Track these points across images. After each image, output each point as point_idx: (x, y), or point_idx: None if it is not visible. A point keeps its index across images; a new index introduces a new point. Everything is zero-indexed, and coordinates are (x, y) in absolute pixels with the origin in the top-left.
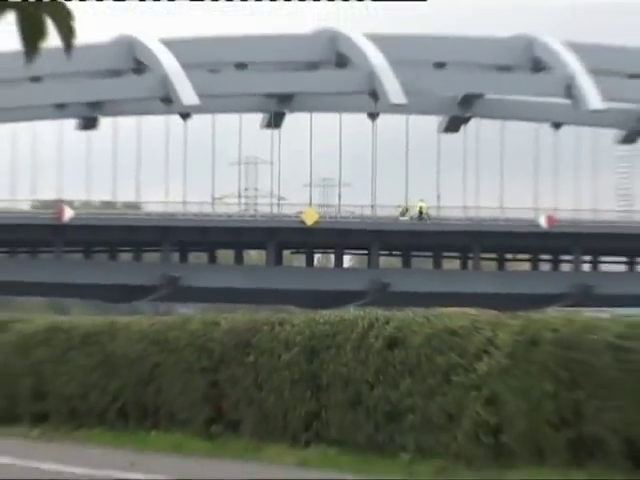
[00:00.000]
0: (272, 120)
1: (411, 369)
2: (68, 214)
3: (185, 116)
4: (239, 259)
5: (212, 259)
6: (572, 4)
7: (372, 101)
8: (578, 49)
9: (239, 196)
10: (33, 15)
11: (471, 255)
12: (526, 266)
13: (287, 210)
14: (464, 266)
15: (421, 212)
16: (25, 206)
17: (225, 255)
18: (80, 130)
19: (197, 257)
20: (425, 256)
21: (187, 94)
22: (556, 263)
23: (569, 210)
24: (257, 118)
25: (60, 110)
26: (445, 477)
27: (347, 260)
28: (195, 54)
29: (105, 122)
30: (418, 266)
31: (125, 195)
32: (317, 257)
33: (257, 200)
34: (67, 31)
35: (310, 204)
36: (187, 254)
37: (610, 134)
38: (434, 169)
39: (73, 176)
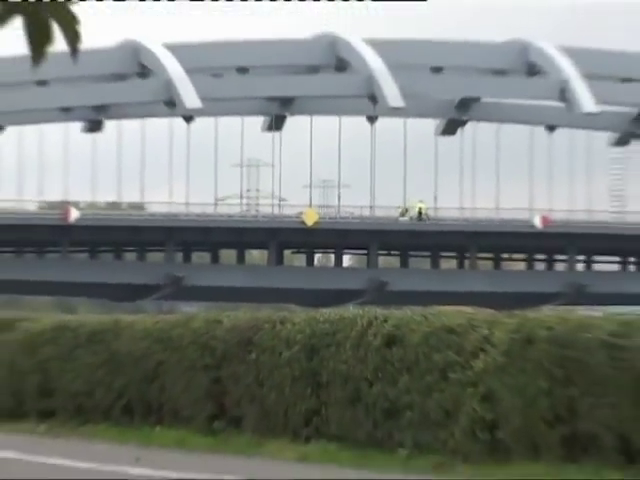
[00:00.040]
0: (273, 123)
1: (409, 366)
2: (74, 215)
3: (188, 119)
4: (241, 259)
5: (215, 259)
6: (572, 4)
7: (371, 104)
8: (572, 54)
9: (241, 197)
10: (40, 20)
11: (468, 255)
12: (521, 266)
13: (288, 211)
14: (461, 265)
15: (420, 213)
16: (32, 207)
17: (227, 255)
18: (86, 133)
19: (200, 257)
20: (423, 256)
21: (190, 98)
22: (551, 263)
23: (563, 211)
24: (259, 121)
25: (66, 113)
26: (442, 472)
27: (346, 260)
28: (198, 58)
29: (110, 125)
30: (416, 266)
31: (130, 196)
32: (317, 257)
33: (259, 201)
34: (73, 36)
35: (310, 205)
36: (190, 254)
37: (603, 137)
38: (432, 171)
39: (79, 177)
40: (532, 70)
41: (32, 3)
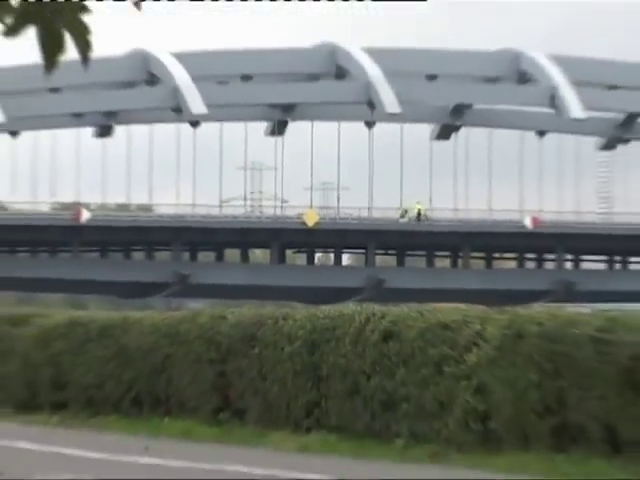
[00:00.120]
0: (276, 128)
1: (405, 360)
2: (85, 216)
3: (194, 124)
4: (245, 258)
5: (220, 258)
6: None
7: (369, 110)
8: (561, 62)
9: (245, 199)
10: (52, 30)
11: (461, 254)
12: (512, 264)
13: (289, 212)
14: (454, 264)
15: (419, 214)
16: (45, 208)
17: (232, 254)
18: (96, 137)
19: (206, 256)
20: (418, 255)
21: (196, 104)
22: (540, 262)
23: (553, 212)
24: (262, 126)
25: (78, 119)
26: (437, 461)
27: (346, 259)
28: (204, 67)
29: (120, 130)
30: (412, 264)
31: (138, 198)
32: (318, 256)
33: (262, 203)
34: (84, 45)
35: (311, 206)
36: (196, 253)
37: (591, 141)
38: (427, 174)
39: (90, 180)
40: (523, 78)
41: (46, 14)
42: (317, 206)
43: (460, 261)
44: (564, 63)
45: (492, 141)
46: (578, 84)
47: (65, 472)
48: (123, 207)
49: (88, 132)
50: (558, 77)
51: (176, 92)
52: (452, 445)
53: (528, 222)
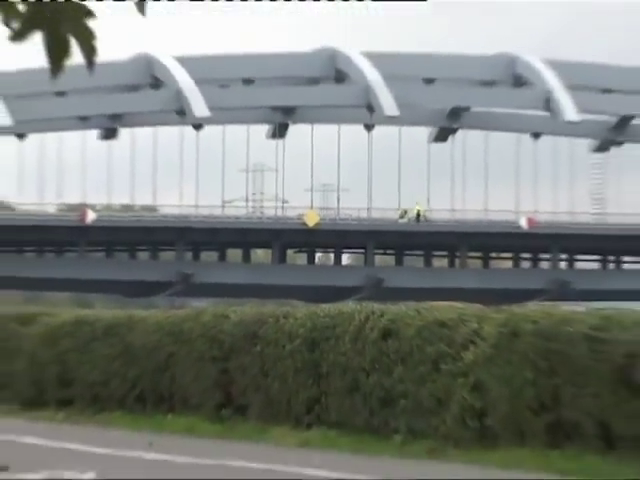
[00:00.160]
0: (277, 131)
1: (404, 358)
2: (91, 216)
3: (197, 127)
4: (247, 257)
5: (222, 257)
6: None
7: (368, 113)
8: (556, 66)
9: (247, 200)
10: (58, 35)
11: (458, 254)
12: (508, 264)
13: (290, 213)
14: (452, 264)
15: (419, 215)
16: (52, 209)
17: (234, 254)
18: (102, 140)
19: (208, 256)
20: (416, 255)
21: (199, 107)
22: (536, 261)
23: (548, 213)
24: (263, 129)
25: (83, 121)
26: (435, 457)
27: (345, 258)
28: (206, 70)
29: (124, 132)
30: (410, 264)
31: (143, 199)
32: (318, 256)
33: (263, 204)
34: (89, 49)
35: (311, 207)
36: (199, 253)
37: (585, 143)
38: (425, 175)
39: (95, 181)
40: (519, 81)
41: (52, 20)
42: (317, 207)
43: (457, 261)
44: (559, 67)
45: (488, 143)
46: (572, 88)
47: (70, 466)
48: (128, 208)
49: (93, 134)
50: (553, 81)
51: (179, 95)
52: (449, 441)
53: (524, 223)
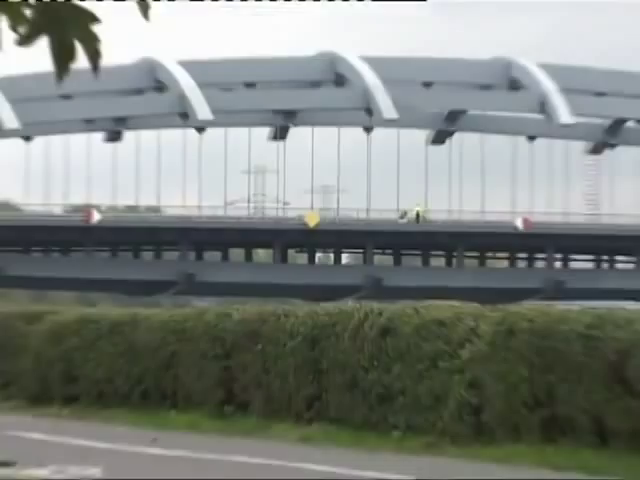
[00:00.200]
0: (278, 133)
1: (402, 355)
2: (96, 217)
3: (200, 130)
4: (249, 257)
5: (225, 257)
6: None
7: (367, 116)
8: (550, 70)
9: (249, 201)
10: (64, 39)
11: (455, 254)
12: (504, 263)
13: (291, 214)
14: (449, 263)
15: (418, 215)
16: (58, 210)
17: (236, 254)
18: (107, 142)
19: (211, 255)
20: (414, 254)
21: (202, 110)
22: (531, 261)
23: (543, 213)
24: (265, 131)
25: (89, 124)
26: (432, 452)
27: (345, 258)
28: (209, 74)
29: (129, 135)
30: (408, 263)
31: (147, 200)
32: (318, 255)
33: (265, 204)
34: (94, 53)
35: (312, 208)
36: (202, 253)
37: (579, 146)
38: (422, 177)
39: (100, 183)
40: (514, 85)
41: (58, 24)
42: (317, 208)
43: (454, 260)
44: (554, 71)
45: (485, 146)
46: (567, 91)
47: (76, 462)
48: (132, 209)
49: (99, 137)
50: (548, 84)
51: (183, 99)
52: (446, 437)
53: (519, 223)
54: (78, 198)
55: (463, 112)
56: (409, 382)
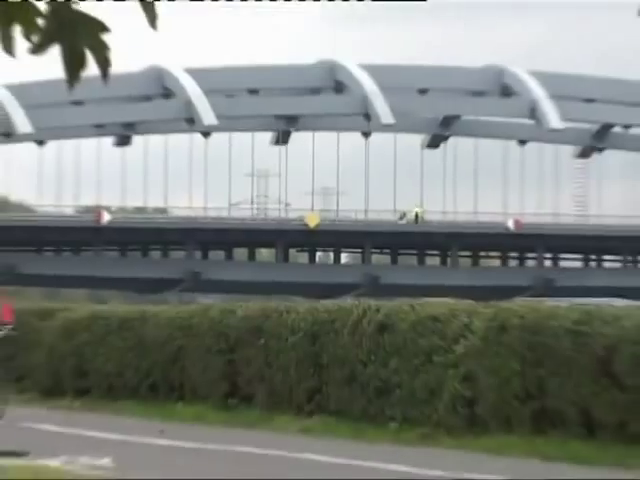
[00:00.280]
0: (280, 138)
1: (398, 350)
2: (106, 218)
3: (206, 134)
4: (252, 256)
5: (229, 256)
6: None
7: (365, 121)
8: (541, 77)
9: (252, 202)
10: (75, 48)
11: (450, 253)
12: (497, 262)
13: (292, 215)
14: (444, 262)
15: (417, 216)
16: (69, 211)
17: (240, 253)
18: (116, 146)
19: (216, 255)
20: (410, 254)
21: (207, 116)
22: (522, 260)
23: (533, 214)
24: (267, 136)
25: (99, 129)
26: (428, 443)
27: (344, 257)
28: (214, 81)
29: (137, 140)
30: (404, 263)
31: (154, 201)
32: (318, 255)
33: (267, 206)
34: (104, 61)
35: (312, 209)
36: (207, 252)
37: (568, 150)
38: (418, 179)
39: (110, 185)
40: (506, 92)
41: (69, 34)
42: (318, 209)
43: (449, 259)
44: (544, 78)
45: (478, 150)
46: (556, 97)
47: (87, 452)
48: (140, 210)
49: (108, 141)
50: (538, 91)
51: (189, 105)
52: (441, 428)
53: (511, 224)
54: (89, 200)
55: (457, 117)
56: (405, 376)
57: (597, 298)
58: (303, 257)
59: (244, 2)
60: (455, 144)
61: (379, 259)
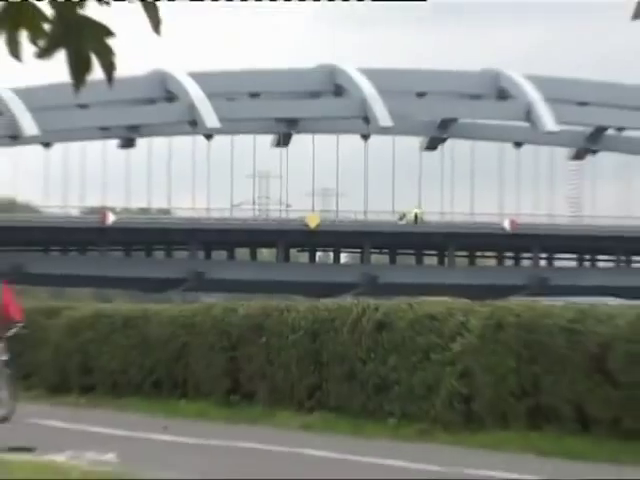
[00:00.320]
0: (281, 140)
1: (397, 348)
2: (111, 218)
3: (208, 137)
4: (254, 256)
5: (231, 256)
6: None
7: (364, 124)
8: (536, 81)
9: (253, 203)
10: (80, 52)
11: (447, 253)
12: (493, 262)
13: (293, 215)
14: (441, 262)
15: (416, 217)
16: (75, 212)
17: (242, 253)
18: (121, 149)
19: (219, 254)
20: (408, 254)
21: (210, 118)
22: (518, 259)
23: (529, 215)
24: (268, 138)
25: (104, 132)
26: (425, 438)
27: (343, 257)
28: (216, 85)
29: (141, 142)
30: (403, 262)
31: (158, 202)
32: (318, 255)
33: (268, 207)
34: (109, 65)
35: (312, 210)
36: (210, 252)
37: (563, 152)
38: (416, 181)
39: (115, 187)
40: (502, 95)
41: (75, 38)
42: (318, 210)
43: (446, 259)
44: (539, 82)
45: (475, 152)
46: (551, 100)
47: (92, 447)
48: (145, 211)
49: (113, 144)
50: (533, 94)
51: (192, 108)
52: (439, 424)
53: (507, 224)
54: (94, 201)
55: (454, 120)
56: (404, 373)
57: (591, 297)
58: (304, 257)
59: (244, 2)
60: (452, 146)
61: (378, 259)
